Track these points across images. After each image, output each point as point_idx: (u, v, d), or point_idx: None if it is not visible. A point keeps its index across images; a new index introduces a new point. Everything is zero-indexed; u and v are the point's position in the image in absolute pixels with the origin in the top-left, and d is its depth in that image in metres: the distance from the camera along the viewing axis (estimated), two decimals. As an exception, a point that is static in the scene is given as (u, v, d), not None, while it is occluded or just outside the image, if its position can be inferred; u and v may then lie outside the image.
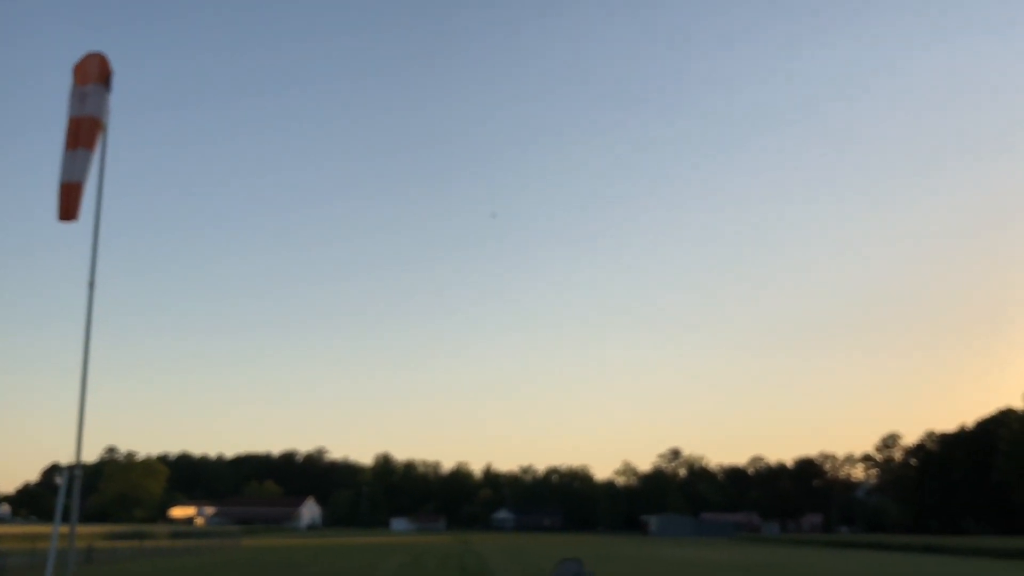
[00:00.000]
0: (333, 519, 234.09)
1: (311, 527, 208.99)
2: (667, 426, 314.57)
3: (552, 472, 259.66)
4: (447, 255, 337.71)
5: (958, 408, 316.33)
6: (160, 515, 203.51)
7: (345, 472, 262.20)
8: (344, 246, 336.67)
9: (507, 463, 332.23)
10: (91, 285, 14.99)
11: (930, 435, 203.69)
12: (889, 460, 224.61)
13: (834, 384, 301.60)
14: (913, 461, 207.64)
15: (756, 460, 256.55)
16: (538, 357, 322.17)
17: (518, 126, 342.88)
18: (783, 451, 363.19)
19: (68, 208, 14.76)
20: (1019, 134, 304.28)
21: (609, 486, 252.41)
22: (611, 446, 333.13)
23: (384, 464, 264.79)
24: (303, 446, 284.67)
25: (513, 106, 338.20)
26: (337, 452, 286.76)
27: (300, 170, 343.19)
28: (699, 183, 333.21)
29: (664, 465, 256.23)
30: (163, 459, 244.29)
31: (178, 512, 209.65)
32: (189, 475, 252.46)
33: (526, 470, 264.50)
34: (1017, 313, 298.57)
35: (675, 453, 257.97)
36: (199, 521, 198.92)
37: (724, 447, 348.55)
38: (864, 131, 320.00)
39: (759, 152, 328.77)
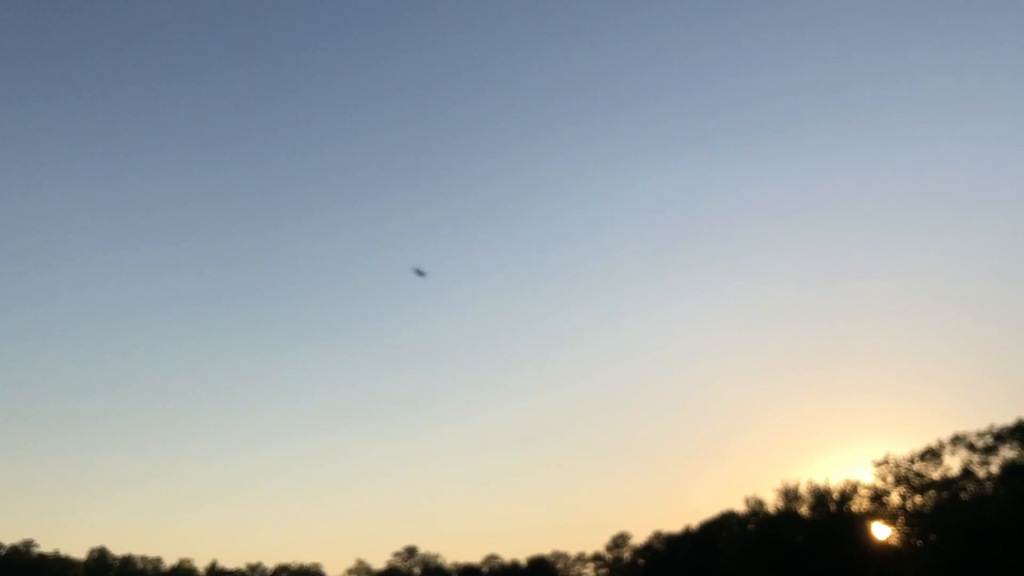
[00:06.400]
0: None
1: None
2: (404, 523, 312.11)
3: (282, 570, 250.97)
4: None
5: (687, 510, 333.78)
6: None
7: (55, 567, 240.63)
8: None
9: (234, 559, 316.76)
10: None
11: (657, 535, 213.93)
12: (618, 559, 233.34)
13: (568, 485, 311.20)
14: (641, 561, 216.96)
15: (491, 558, 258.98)
16: (273, 450, 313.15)
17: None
18: (517, 550, 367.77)
19: None
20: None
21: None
22: (346, 543, 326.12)
23: (99, 558, 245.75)
24: (7, 538, 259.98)
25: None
26: (47, 545, 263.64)
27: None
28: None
29: (399, 563, 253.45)
30: None
31: None
32: None
33: (254, 567, 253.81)
34: (741, 421, 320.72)
35: (411, 551, 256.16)
36: None
37: (460, 545, 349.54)
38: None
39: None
